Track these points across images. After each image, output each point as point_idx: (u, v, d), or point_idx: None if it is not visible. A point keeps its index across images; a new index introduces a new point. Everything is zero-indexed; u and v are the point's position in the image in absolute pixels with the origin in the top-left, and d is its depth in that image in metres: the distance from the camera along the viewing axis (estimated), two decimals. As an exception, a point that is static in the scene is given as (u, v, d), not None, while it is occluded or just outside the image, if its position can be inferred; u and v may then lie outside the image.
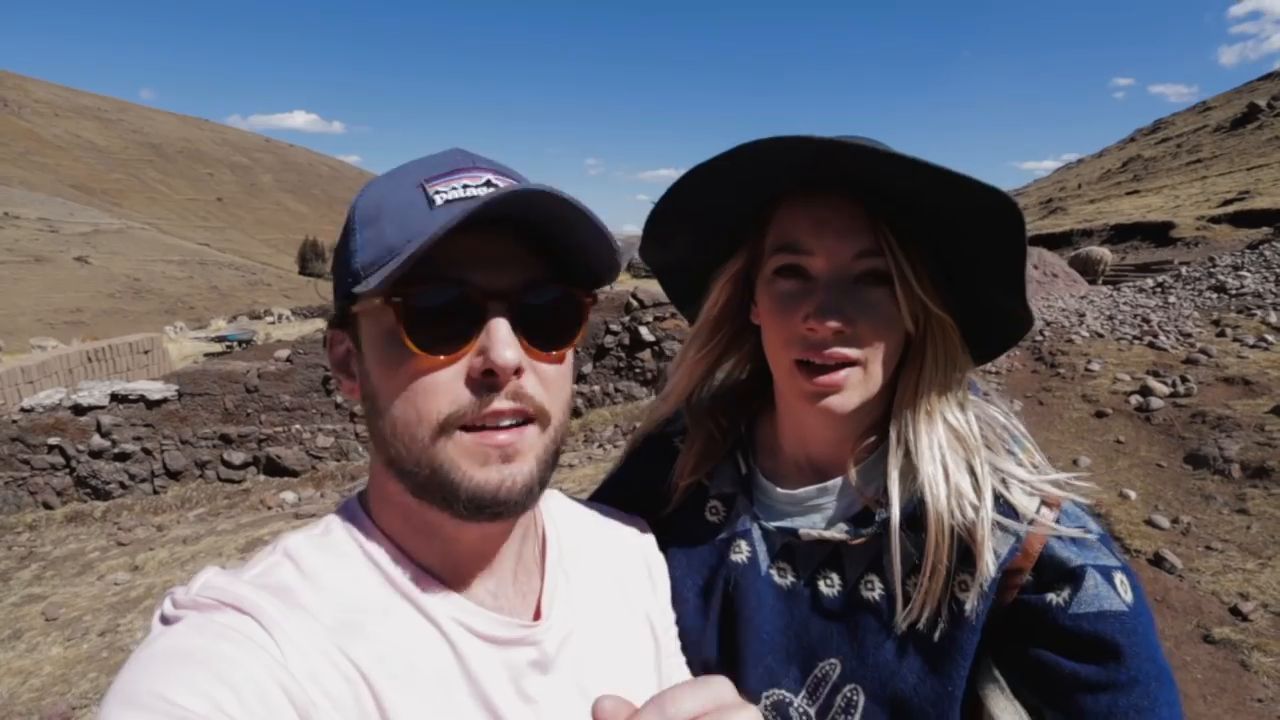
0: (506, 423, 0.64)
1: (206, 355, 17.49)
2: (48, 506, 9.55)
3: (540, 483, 0.67)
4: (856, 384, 0.85)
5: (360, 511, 0.72)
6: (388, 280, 0.60)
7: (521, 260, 0.67)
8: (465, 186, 0.65)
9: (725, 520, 1.00)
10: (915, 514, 0.85)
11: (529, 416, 0.65)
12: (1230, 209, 31.32)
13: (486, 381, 0.63)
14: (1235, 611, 4.07)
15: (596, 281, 0.72)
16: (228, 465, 10.15)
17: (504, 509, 0.64)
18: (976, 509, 0.82)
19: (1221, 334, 10.16)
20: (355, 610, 0.64)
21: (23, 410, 9.72)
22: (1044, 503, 0.83)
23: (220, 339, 26.44)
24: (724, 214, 0.92)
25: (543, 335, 0.67)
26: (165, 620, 0.59)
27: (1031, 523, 0.82)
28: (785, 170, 0.83)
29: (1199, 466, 6.10)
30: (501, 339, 0.62)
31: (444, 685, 0.65)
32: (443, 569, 0.70)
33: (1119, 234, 32.28)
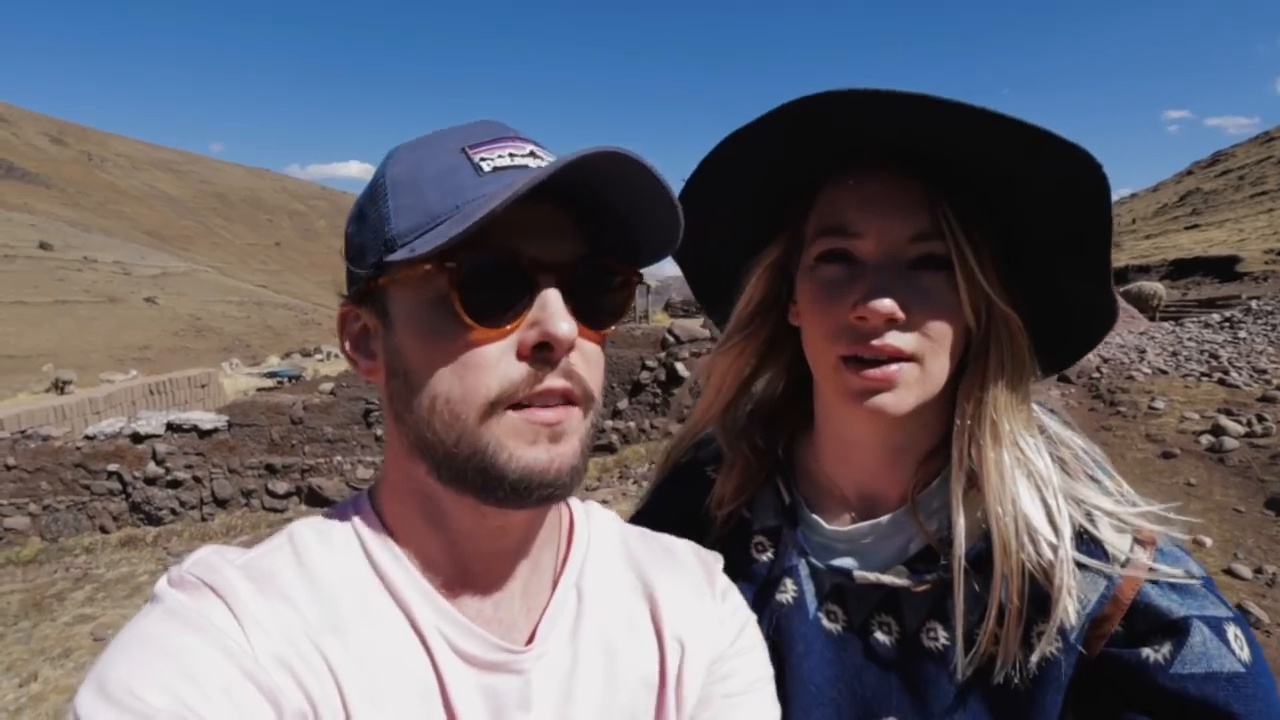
0: (553, 402, 0.60)
1: (258, 390, 18.07)
2: (104, 530, 9.86)
3: (583, 468, 0.63)
4: (911, 382, 0.75)
5: (367, 504, 0.68)
6: (448, 244, 0.55)
7: (571, 233, 0.63)
8: (512, 155, 0.62)
9: (773, 558, 0.89)
10: (986, 551, 0.74)
11: (575, 399, 0.61)
12: (1301, 243, 29.97)
13: (539, 356, 0.59)
14: (1333, 669, 3.71)
15: (640, 259, 0.68)
16: (271, 495, 10.36)
17: (553, 490, 0.60)
18: (1054, 547, 0.70)
19: (1299, 370, 9.57)
20: (341, 607, 0.61)
21: (86, 438, 10.13)
22: (1136, 540, 0.72)
23: (271, 375, 27.34)
24: (760, 197, 0.84)
25: (592, 312, 0.63)
26: (155, 598, 0.59)
27: (1125, 564, 0.70)
28: (827, 140, 0.75)
29: (1282, 511, 5.67)
30: (558, 311, 0.59)
31: (417, 705, 0.60)
32: (446, 571, 0.65)
33: (1179, 269, 31.15)
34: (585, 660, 0.68)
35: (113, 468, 9.93)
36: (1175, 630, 0.67)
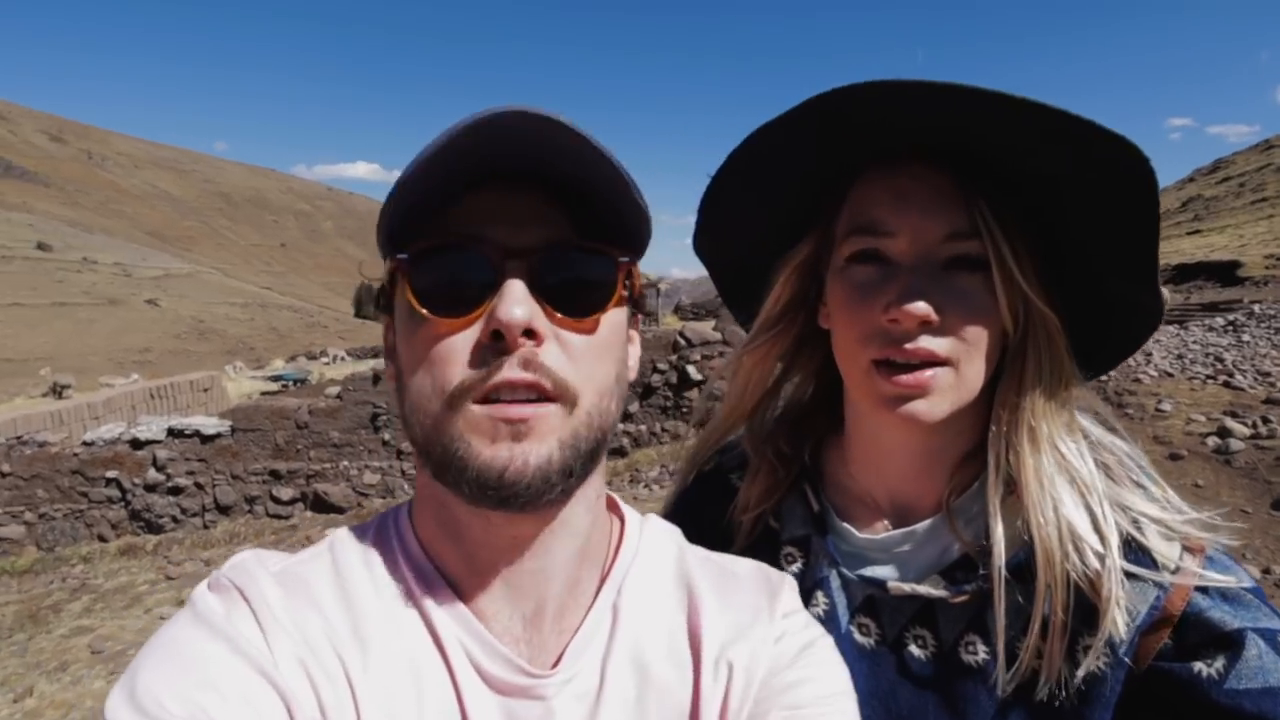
0: (521, 397, 0.56)
1: (262, 394, 18.02)
2: (102, 539, 9.80)
3: (564, 471, 0.57)
4: (946, 388, 0.72)
5: (405, 515, 0.69)
6: (392, 236, 0.55)
7: (545, 218, 0.60)
8: None
9: (803, 569, 0.86)
10: (1028, 561, 0.71)
11: (546, 393, 0.56)
12: (1302, 246, 30.06)
13: (496, 346, 0.55)
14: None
15: (633, 241, 0.64)
16: (276, 501, 10.31)
17: (511, 493, 0.55)
18: (1101, 556, 0.68)
19: (1305, 374, 9.59)
20: (368, 619, 0.60)
21: (84, 444, 10.09)
22: (1185, 548, 0.69)
23: (276, 378, 27.29)
24: (789, 195, 0.82)
25: (570, 299, 0.59)
26: (191, 600, 0.60)
27: (1175, 573, 0.67)
28: (857, 135, 0.72)
29: (1290, 514, 5.65)
30: (510, 296, 0.55)
31: None
32: (471, 586, 0.63)
33: (1181, 274, 31.27)
34: (614, 683, 0.63)
35: (111, 474, 9.86)
36: (1229, 643, 0.64)
